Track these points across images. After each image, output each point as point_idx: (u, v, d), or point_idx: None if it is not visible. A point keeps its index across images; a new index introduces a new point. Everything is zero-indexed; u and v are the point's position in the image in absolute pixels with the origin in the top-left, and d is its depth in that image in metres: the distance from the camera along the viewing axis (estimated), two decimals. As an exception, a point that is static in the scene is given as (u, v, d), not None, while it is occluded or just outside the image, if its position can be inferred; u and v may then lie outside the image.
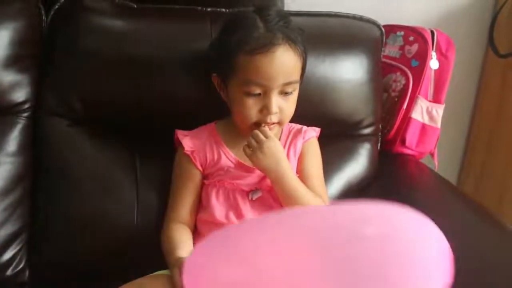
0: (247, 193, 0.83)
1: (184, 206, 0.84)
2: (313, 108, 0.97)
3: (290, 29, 0.80)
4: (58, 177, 0.91)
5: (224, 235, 0.52)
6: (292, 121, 0.90)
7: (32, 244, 0.92)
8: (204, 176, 0.86)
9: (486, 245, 0.78)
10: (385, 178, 1.06)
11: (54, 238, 0.90)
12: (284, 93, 0.80)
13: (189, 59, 0.93)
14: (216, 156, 0.86)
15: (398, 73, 1.15)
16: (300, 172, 0.86)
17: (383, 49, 1.07)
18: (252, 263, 0.47)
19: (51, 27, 0.95)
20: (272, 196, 0.83)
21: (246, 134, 0.82)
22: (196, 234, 0.84)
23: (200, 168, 0.86)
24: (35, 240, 0.91)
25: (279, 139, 0.88)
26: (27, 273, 0.91)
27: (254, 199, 0.83)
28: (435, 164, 1.19)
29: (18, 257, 0.90)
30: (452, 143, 1.47)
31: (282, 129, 0.90)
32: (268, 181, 0.82)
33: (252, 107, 0.80)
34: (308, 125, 0.93)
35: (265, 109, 0.79)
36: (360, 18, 1.03)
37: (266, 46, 0.76)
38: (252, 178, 0.83)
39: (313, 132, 0.91)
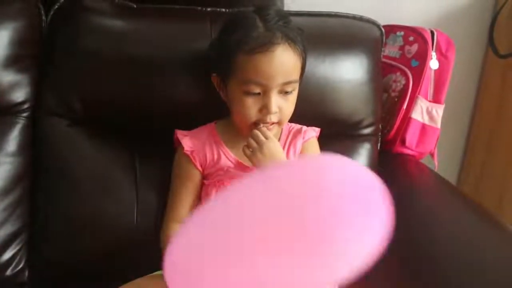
0: (246, 193, 0.83)
1: (184, 206, 0.84)
2: (313, 108, 0.97)
3: (290, 28, 0.80)
4: (57, 177, 0.91)
5: (198, 223, 0.51)
6: (292, 121, 0.90)
7: (32, 244, 0.92)
8: (204, 176, 0.86)
9: (486, 245, 0.78)
10: (385, 178, 1.05)
11: (54, 238, 0.90)
12: (283, 92, 0.80)
13: (189, 59, 0.93)
14: (215, 156, 0.86)
15: (398, 73, 1.15)
16: (300, 172, 0.86)
17: (383, 49, 1.07)
18: (232, 246, 0.47)
19: (51, 27, 0.95)
20: (271, 196, 0.83)
21: (246, 134, 0.82)
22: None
23: (199, 168, 0.86)
24: (35, 240, 0.91)
25: (279, 139, 0.88)
26: (26, 273, 0.91)
27: (253, 199, 0.82)
28: (435, 164, 1.19)
29: (18, 257, 0.90)
30: (452, 143, 1.47)
31: (282, 129, 0.90)
32: (267, 181, 0.82)
33: (251, 106, 0.80)
34: (308, 125, 0.93)
35: (264, 109, 0.79)
36: (360, 18, 1.03)
37: (266, 45, 0.76)
38: (252, 178, 0.83)
39: (313, 132, 0.91)
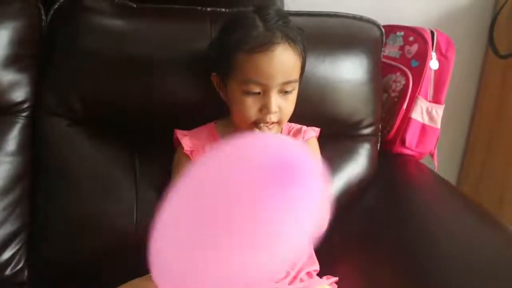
0: (246, 193, 0.83)
1: None
2: (313, 108, 0.97)
3: (289, 28, 0.80)
4: (57, 177, 0.91)
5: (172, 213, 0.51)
6: (292, 121, 0.90)
7: (31, 243, 0.92)
8: (204, 176, 0.86)
9: (486, 245, 0.78)
10: (385, 179, 1.06)
11: (53, 238, 0.90)
12: (283, 92, 0.80)
13: (189, 59, 0.93)
14: (215, 156, 0.86)
15: (398, 73, 1.15)
16: (300, 172, 0.86)
17: (383, 49, 1.07)
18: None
19: (51, 27, 0.95)
20: (271, 196, 0.83)
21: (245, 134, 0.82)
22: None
23: (199, 167, 0.86)
24: (34, 239, 0.91)
25: (279, 139, 0.88)
26: (26, 272, 0.91)
27: (253, 199, 0.82)
28: (435, 164, 1.19)
29: (17, 257, 0.90)
30: (452, 143, 1.47)
31: (282, 129, 0.90)
32: (267, 181, 0.82)
33: (251, 106, 0.80)
34: (308, 125, 0.93)
35: (264, 108, 0.79)
36: (360, 18, 1.03)
37: (266, 45, 0.76)
38: (251, 178, 0.83)
39: (312, 132, 0.91)
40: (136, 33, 0.93)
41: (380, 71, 1.06)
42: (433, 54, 1.11)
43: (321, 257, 0.86)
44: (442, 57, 1.12)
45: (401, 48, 1.16)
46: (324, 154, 0.92)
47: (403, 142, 1.15)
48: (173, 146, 0.91)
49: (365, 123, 1.04)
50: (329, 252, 0.87)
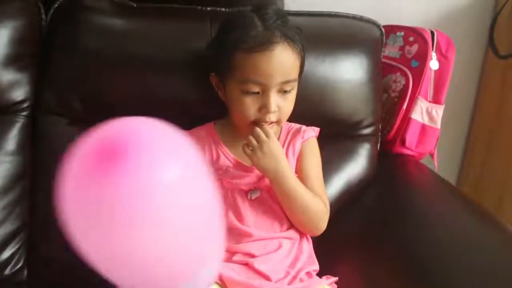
0: (246, 193, 0.83)
1: None
2: (313, 108, 0.97)
3: (288, 27, 0.80)
4: (57, 176, 0.91)
5: None
6: (291, 120, 0.90)
7: (31, 243, 0.91)
8: (203, 176, 0.86)
9: (486, 246, 0.78)
10: (385, 179, 1.06)
11: (53, 237, 0.90)
12: (282, 91, 0.80)
13: (189, 58, 0.93)
14: (215, 156, 0.86)
15: (398, 74, 1.15)
16: (299, 172, 0.86)
17: (383, 49, 1.07)
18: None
19: (51, 26, 0.95)
20: (271, 195, 0.83)
21: (245, 133, 0.82)
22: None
23: (199, 167, 0.86)
24: (34, 239, 0.91)
25: (278, 139, 0.88)
26: (25, 272, 0.91)
27: (253, 198, 0.83)
28: (435, 164, 1.19)
29: (17, 256, 0.90)
30: (452, 143, 1.47)
31: (281, 129, 0.90)
32: (267, 181, 0.82)
33: (250, 106, 0.80)
34: (307, 125, 0.92)
35: (263, 108, 0.79)
36: (360, 18, 1.03)
37: (264, 44, 0.76)
38: (251, 178, 0.83)
39: (312, 132, 0.91)
40: (136, 33, 0.93)
41: (380, 71, 1.06)
42: (433, 54, 1.11)
43: (321, 257, 0.86)
44: (442, 57, 1.12)
45: (401, 48, 1.16)
46: (324, 154, 0.92)
47: (403, 142, 1.14)
48: (173, 146, 0.91)
49: (365, 123, 1.04)
50: (329, 252, 0.87)
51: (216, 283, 0.76)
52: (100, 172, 0.42)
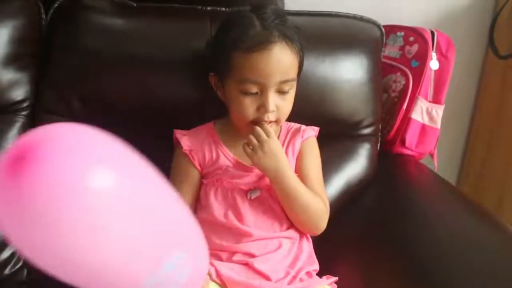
0: (245, 192, 0.83)
1: None
2: (312, 108, 0.97)
3: (287, 27, 0.80)
4: (57, 176, 0.91)
5: None
6: (291, 120, 0.90)
7: (31, 243, 0.91)
8: (203, 175, 0.86)
9: (486, 246, 0.78)
10: (385, 179, 1.06)
11: (53, 237, 0.90)
12: (281, 91, 0.80)
13: (189, 58, 0.93)
14: (214, 155, 0.86)
15: (398, 74, 1.15)
16: (299, 172, 0.86)
17: (383, 49, 1.07)
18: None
19: (51, 25, 0.95)
20: (270, 195, 0.83)
21: (244, 133, 0.82)
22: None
23: (198, 167, 0.86)
24: (34, 239, 0.91)
25: (278, 138, 0.88)
26: (25, 271, 0.91)
27: (252, 198, 0.82)
28: (435, 164, 1.19)
29: (17, 256, 0.90)
30: (452, 143, 1.47)
31: (281, 128, 0.90)
32: (266, 180, 0.82)
33: (249, 105, 0.80)
34: (307, 125, 0.92)
35: (262, 108, 0.79)
36: (361, 18, 1.03)
37: (262, 44, 0.76)
38: (251, 178, 0.83)
39: (312, 132, 0.91)
40: (136, 32, 0.93)
41: (380, 71, 1.06)
42: (433, 55, 1.11)
43: (321, 256, 0.86)
44: (442, 57, 1.12)
45: (401, 48, 1.16)
46: (324, 154, 0.92)
47: (403, 142, 1.14)
48: (174, 147, 0.91)
49: (365, 123, 1.04)
50: (329, 252, 0.87)
51: (216, 283, 0.76)
52: (11, 173, 0.42)
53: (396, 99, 1.14)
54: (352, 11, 1.03)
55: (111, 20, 0.94)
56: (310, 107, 0.96)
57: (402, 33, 1.17)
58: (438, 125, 1.15)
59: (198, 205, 0.86)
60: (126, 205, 0.47)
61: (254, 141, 0.79)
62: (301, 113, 0.90)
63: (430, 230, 0.85)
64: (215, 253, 0.80)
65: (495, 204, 1.33)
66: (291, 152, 0.87)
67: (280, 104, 0.81)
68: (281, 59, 0.78)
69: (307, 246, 0.85)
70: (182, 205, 0.59)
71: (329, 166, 0.97)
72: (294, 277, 0.79)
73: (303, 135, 0.89)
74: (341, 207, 0.98)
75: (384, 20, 1.09)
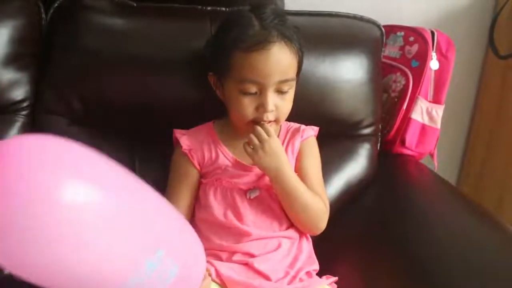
0: (245, 192, 0.83)
1: (181, 204, 0.84)
2: (312, 108, 0.97)
3: (286, 27, 0.80)
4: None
5: None
6: (291, 120, 0.90)
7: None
8: (202, 175, 0.86)
9: (485, 246, 0.78)
10: (385, 179, 1.06)
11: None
12: (280, 91, 0.80)
13: (189, 58, 0.93)
14: (213, 155, 0.86)
15: (398, 74, 1.15)
16: (298, 171, 0.86)
17: (383, 49, 1.07)
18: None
19: (51, 25, 0.95)
20: (270, 194, 0.83)
21: (243, 132, 0.82)
22: (197, 232, 0.83)
23: (197, 166, 0.86)
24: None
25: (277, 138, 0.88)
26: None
27: (252, 198, 0.83)
28: (435, 164, 1.19)
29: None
30: (452, 143, 1.47)
31: (280, 128, 0.90)
32: (266, 180, 0.82)
33: (248, 105, 0.80)
34: (307, 125, 0.92)
35: (261, 107, 0.79)
36: (361, 18, 1.03)
37: (261, 43, 0.76)
38: (250, 177, 0.83)
39: (311, 131, 0.91)
40: (136, 32, 0.93)
41: (380, 71, 1.06)
42: (434, 55, 1.11)
43: (321, 256, 0.86)
44: (442, 57, 1.12)
45: (401, 48, 1.16)
46: (324, 154, 0.92)
47: (403, 142, 1.14)
48: (173, 146, 0.91)
49: (365, 123, 1.04)
50: (329, 252, 0.87)
51: (216, 282, 0.76)
52: None
53: (396, 99, 1.14)
54: (352, 11, 1.03)
55: (111, 20, 0.94)
56: (310, 107, 0.96)
57: (402, 33, 1.17)
58: (438, 125, 1.15)
59: (197, 205, 0.86)
60: (96, 215, 0.48)
61: (255, 140, 0.79)
62: (301, 113, 0.89)
63: (430, 230, 0.85)
64: (215, 253, 0.80)
65: (495, 204, 1.33)
66: (291, 152, 0.87)
67: (279, 104, 0.81)
68: (280, 59, 0.78)
69: (307, 246, 0.85)
70: (166, 207, 0.60)
71: (329, 166, 0.97)
72: (294, 277, 0.79)
73: (303, 135, 0.89)
74: (341, 207, 0.98)
75: (384, 20, 1.09)
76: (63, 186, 0.46)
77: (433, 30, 1.13)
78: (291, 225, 0.84)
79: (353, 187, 1.02)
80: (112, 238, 0.50)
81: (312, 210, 0.82)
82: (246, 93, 0.79)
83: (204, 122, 0.92)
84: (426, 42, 1.11)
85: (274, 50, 0.77)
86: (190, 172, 0.86)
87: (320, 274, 0.84)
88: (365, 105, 1.02)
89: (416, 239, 0.83)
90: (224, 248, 0.80)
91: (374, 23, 1.04)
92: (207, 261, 0.75)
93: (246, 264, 0.79)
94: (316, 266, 0.84)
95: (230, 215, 0.81)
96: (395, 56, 1.17)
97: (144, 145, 0.96)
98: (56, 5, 0.96)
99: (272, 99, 0.79)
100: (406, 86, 1.12)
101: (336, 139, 1.02)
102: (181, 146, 0.87)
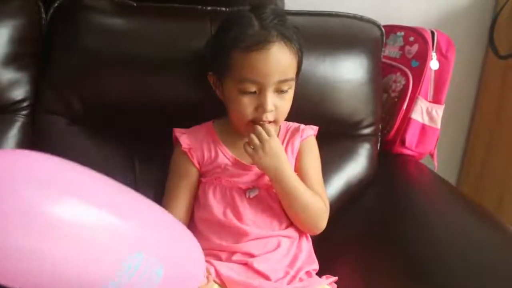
0: (244, 191, 0.83)
1: (180, 203, 0.84)
2: (313, 108, 0.97)
3: (285, 27, 0.80)
4: (56, 176, 0.91)
5: None
6: (291, 120, 0.90)
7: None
8: (201, 174, 0.87)
9: (486, 246, 0.78)
10: (385, 179, 1.06)
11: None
12: (279, 91, 0.80)
13: (189, 58, 0.93)
14: (213, 154, 0.86)
15: (398, 74, 1.15)
16: (298, 171, 0.86)
17: (383, 49, 1.07)
18: None
19: (51, 25, 0.95)
20: (269, 194, 0.83)
21: (243, 132, 0.83)
22: (196, 232, 0.83)
23: (197, 165, 0.86)
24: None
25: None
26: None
27: (251, 197, 0.83)
28: (435, 164, 1.19)
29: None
30: (452, 143, 1.47)
31: (280, 128, 0.90)
32: (265, 179, 0.83)
33: (247, 105, 0.80)
34: (307, 125, 0.92)
35: (260, 107, 0.79)
36: (361, 18, 1.03)
37: (261, 43, 0.77)
38: (249, 176, 0.84)
39: (311, 131, 0.91)
40: (136, 32, 0.93)
41: (380, 71, 1.06)
42: (434, 55, 1.11)
43: (321, 256, 0.86)
44: (442, 57, 1.12)
45: (401, 48, 1.16)
46: (324, 154, 0.92)
47: (403, 142, 1.14)
48: (173, 146, 0.91)
49: (365, 123, 1.04)
50: (329, 251, 0.87)
51: (216, 282, 0.76)
52: None
53: (396, 99, 1.14)
54: (352, 11, 1.03)
55: (111, 20, 0.94)
56: (310, 107, 0.96)
57: (402, 33, 1.17)
58: (438, 125, 1.15)
59: (196, 204, 0.86)
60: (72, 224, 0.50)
61: (256, 140, 0.79)
62: (301, 113, 0.90)
63: (430, 230, 0.85)
64: (214, 253, 0.80)
65: (495, 204, 1.33)
66: (291, 152, 0.87)
67: (278, 104, 0.81)
68: (279, 59, 0.78)
69: (307, 246, 0.85)
70: (151, 209, 0.62)
71: (329, 166, 0.97)
72: (294, 277, 0.79)
73: (302, 135, 0.89)
74: (341, 207, 0.98)
75: (384, 20, 1.09)
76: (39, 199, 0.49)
77: (433, 30, 1.13)
78: (290, 224, 0.84)
79: (353, 187, 1.02)
80: (84, 244, 0.51)
81: (312, 209, 0.82)
82: (245, 93, 0.79)
83: (204, 122, 0.92)
84: (426, 42, 1.11)
85: (274, 50, 0.77)
86: (189, 171, 0.86)
87: (320, 274, 0.84)
88: (365, 105, 1.02)
89: (416, 239, 0.83)
90: (223, 248, 0.80)
91: (374, 23, 1.04)
92: (207, 261, 0.75)
93: (245, 264, 0.79)
94: (316, 266, 0.84)
95: (230, 214, 0.81)
96: (395, 56, 1.17)
97: (144, 145, 0.96)
98: (56, 5, 0.96)
99: (271, 99, 0.79)
100: (406, 86, 1.12)
101: (336, 139, 1.02)
102: (180, 145, 0.87)
